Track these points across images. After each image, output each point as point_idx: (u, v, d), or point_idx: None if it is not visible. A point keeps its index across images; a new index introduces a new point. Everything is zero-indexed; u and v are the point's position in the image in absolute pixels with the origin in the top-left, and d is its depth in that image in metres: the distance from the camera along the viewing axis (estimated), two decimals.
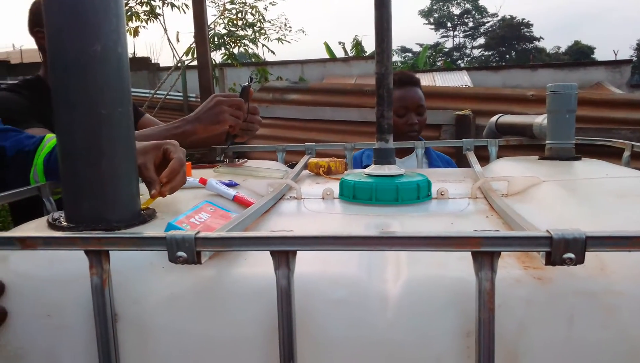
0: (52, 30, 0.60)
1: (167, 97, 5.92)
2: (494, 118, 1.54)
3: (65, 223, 0.62)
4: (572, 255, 0.42)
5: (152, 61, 10.43)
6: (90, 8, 0.59)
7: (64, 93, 0.60)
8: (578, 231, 0.42)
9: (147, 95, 6.05)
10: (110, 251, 0.48)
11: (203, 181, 0.83)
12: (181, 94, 6.75)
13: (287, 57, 10.76)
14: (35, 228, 0.65)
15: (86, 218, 0.61)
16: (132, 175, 0.63)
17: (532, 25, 37.41)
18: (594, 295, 0.47)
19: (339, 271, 0.52)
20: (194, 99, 6.69)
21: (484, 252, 0.43)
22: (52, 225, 0.62)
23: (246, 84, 1.23)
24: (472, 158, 1.17)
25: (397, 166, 0.86)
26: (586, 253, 0.42)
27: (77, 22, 0.59)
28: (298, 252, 0.46)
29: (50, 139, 0.86)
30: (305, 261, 0.49)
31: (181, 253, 0.45)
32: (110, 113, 0.60)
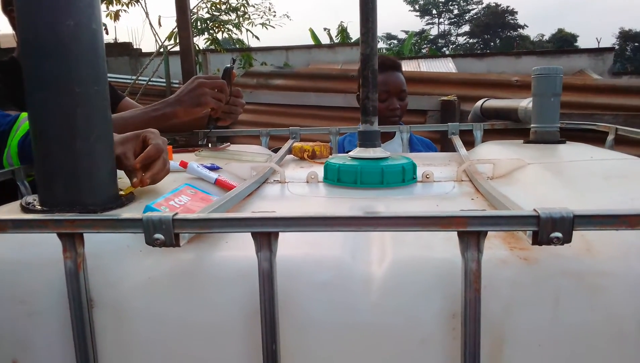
0: (22, 5, 0.57)
1: (150, 83, 5.82)
2: (479, 102, 1.54)
3: (39, 207, 0.59)
4: (559, 234, 0.41)
5: (134, 47, 10.24)
6: None
7: (35, 71, 0.57)
8: (566, 209, 0.41)
9: (129, 81, 5.95)
10: (85, 235, 0.46)
11: (184, 164, 0.81)
12: (164, 80, 6.65)
13: (272, 44, 10.65)
14: (8, 212, 0.63)
15: (60, 201, 0.58)
16: (108, 156, 0.61)
17: (516, 13, 37.55)
18: (580, 275, 0.46)
19: (323, 253, 0.51)
20: (177, 85, 6.59)
21: (470, 232, 0.42)
22: (25, 209, 0.59)
23: (228, 65, 1.20)
24: (457, 141, 1.16)
25: (381, 149, 0.85)
26: (573, 232, 0.41)
27: None
28: (281, 235, 0.45)
29: (25, 119, 0.83)
30: (289, 244, 0.48)
31: (158, 236, 0.44)
32: (84, 91, 0.58)
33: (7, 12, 1.29)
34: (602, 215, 0.41)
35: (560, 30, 33.81)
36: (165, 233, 0.44)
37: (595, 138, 1.28)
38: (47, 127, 0.58)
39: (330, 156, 1.12)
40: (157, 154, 0.72)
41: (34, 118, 0.59)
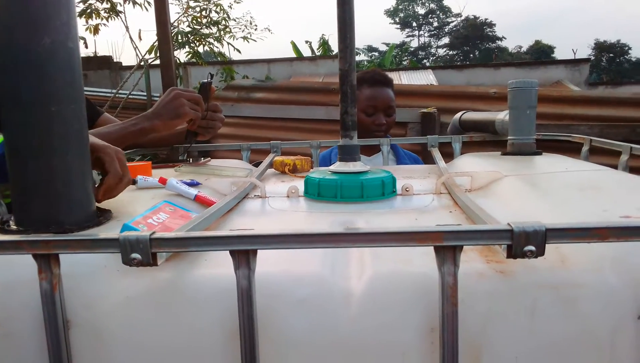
0: None
1: (130, 96, 5.78)
2: (458, 115, 1.56)
3: (15, 227, 0.59)
4: (532, 248, 0.42)
5: (114, 60, 10.17)
6: (39, 0, 0.56)
7: (11, 89, 0.57)
8: (538, 223, 0.42)
9: (109, 95, 5.90)
10: (60, 255, 0.46)
11: (163, 181, 0.81)
12: (144, 93, 6.60)
13: (254, 57, 10.68)
14: None
15: (37, 220, 0.58)
16: (85, 175, 0.61)
17: (494, 25, 38.24)
18: (555, 287, 0.47)
19: (302, 269, 0.51)
20: (157, 99, 6.54)
21: (446, 247, 0.43)
22: (0, 229, 0.58)
23: (205, 80, 1.20)
24: (436, 154, 1.18)
25: (362, 163, 0.86)
26: (547, 245, 0.42)
27: (25, 15, 0.56)
28: (260, 252, 0.45)
29: None
30: (267, 261, 0.48)
31: (136, 255, 0.43)
32: (61, 110, 0.57)
33: None
34: (574, 228, 0.41)
35: (537, 42, 34.50)
36: (143, 253, 0.43)
37: (571, 148, 1.31)
38: (22, 145, 0.57)
39: (311, 170, 1.12)
40: (115, 185, 0.70)
41: (9, 136, 0.58)
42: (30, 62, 0.56)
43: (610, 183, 0.78)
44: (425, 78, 10.52)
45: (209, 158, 1.25)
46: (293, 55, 12.17)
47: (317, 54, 13.08)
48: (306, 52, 12.89)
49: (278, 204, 0.82)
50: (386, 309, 0.48)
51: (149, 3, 5.34)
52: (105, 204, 0.70)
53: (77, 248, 0.44)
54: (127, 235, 0.43)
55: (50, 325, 0.47)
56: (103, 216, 0.63)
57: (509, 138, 1.18)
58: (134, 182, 0.84)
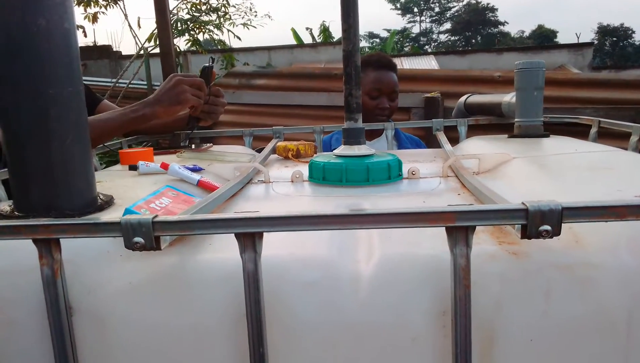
0: None
1: (130, 86, 5.75)
2: (463, 98, 1.54)
3: (15, 213, 0.57)
4: (548, 227, 0.41)
5: (114, 49, 10.11)
6: None
7: (6, 72, 0.55)
8: (554, 202, 0.40)
9: (109, 84, 5.86)
10: (62, 240, 0.45)
11: (165, 166, 0.79)
12: (145, 82, 6.56)
13: (254, 44, 10.60)
14: None
15: (36, 206, 0.56)
16: (86, 159, 0.59)
17: (496, 10, 37.94)
18: (570, 268, 0.46)
19: (309, 253, 0.50)
20: (158, 87, 6.51)
21: (459, 227, 0.42)
22: (0, 215, 0.57)
23: (207, 65, 1.18)
24: (442, 137, 1.16)
25: (367, 146, 0.84)
26: (562, 225, 0.41)
27: None
28: (266, 235, 0.44)
29: None
30: (273, 244, 0.47)
31: (138, 239, 0.42)
32: (58, 93, 0.56)
33: None
34: (590, 207, 0.40)
35: (540, 27, 34.22)
36: (145, 236, 0.42)
37: (578, 132, 1.29)
38: (20, 130, 0.56)
39: (315, 155, 1.11)
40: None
41: (6, 121, 0.57)
42: (25, 45, 0.55)
43: (622, 163, 0.76)
44: (427, 64, 10.45)
45: (211, 144, 1.24)
46: (294, 42, 12.09)
47: (318, 41, 12.99)
48: (307, 39, 12.82)
49: (282, 189, 0.81)
50: (396, 292, 0.46)
51: None
52: (105, 189, 0.69)
53: (78, 232, 0.43)
54: (128, 218, 0.42)
55: (53, 311, 0.45)
56: (104, 202, 0.62)
57: (515, 120, 1.16)
58: (136, 168, 0.83)
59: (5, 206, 0.60)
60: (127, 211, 0.54)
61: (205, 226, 0.42)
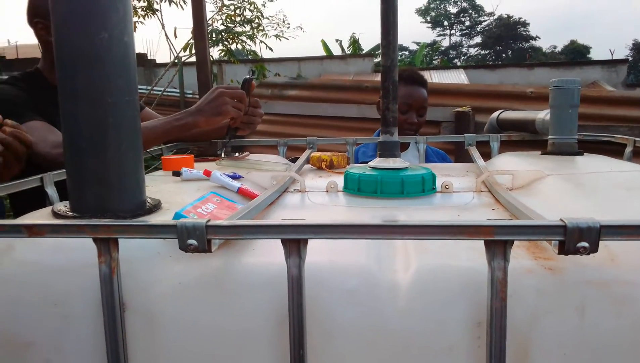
0: (58, 19, 0.59)
1: (164, 93, 5.89)
2: (495, 114, 1.54)
3: (70, 213, 0.61)
4: (586, 244, 0.42)
5: (149, 57, 10.38)
6: None
7: (70, 82, 0.59)
8: (592, 220, 0.42)
9: (144, 91, 6.02)
10: (118, 240, 0.48)
11: (207, 173, 0.83)
12: (178, 90, 6.72)
13: (285, 54, 10.74)
14: (40, 217, 0.64)
15: (91, 207, 0.60)
16: (138, 164, 0.63)
17: (528, 24, 37.51)
18: (605, 284, 0.47)
19: (349, 261, 0.52)
20: (190, 96, 6.66)
21: (497, 241, 0.43)
22: (57, 214, 0.61)
23: (247, 77, 1.22)
24: (474, 152, 1.17)
25: (401, 159, 0.86)
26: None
27: (83, 10, 0.58)
28: (308, 242, 0.46)
29: None
30: (313, 252, 0.49)
31: (192, 241, 0.45)
32: (116, 102, 0.59)
33: (33, 23, 1.32)
34: (629, 226, 0.41)
35: (572, 42, 33.69)
36: (199, 239, 0.45)
37: (611, 150, 1.28)
38: (79, 136, 0.59)
39: (348, 166, 1.13)
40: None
41: (67, 128, 0.60)
42: (88, 57, 0.58)
43: None
44: (456, 77, 10.39)
45: (248, 153, 1.27)
46: (323, 53, 12.19)
47: (347, 52, 13.07)
48: (336, 51, 12.89)
49: (317, 198, 0.83)
50: (432, 302, 0.48)
51: (184, 1, 5.43)
52: (152, 194, 0.72)
53: (136, 233, 0.46)
54: (184, 221, 0.45)
55: (108, 307, 0.49)
56: (153, 206, 0.65)
57: (549, 137, 1.16)
58: (179, 174, 0.86)
59: (61, 206, 0.64)
60: (177, 215, 0.57)
61: (254, 231, 0.45)
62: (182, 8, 5.44)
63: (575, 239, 0.42)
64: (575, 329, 0.46)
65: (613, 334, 0.46)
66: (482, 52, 38.96)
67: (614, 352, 0.46)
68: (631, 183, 0.77)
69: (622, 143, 1.19)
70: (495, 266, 0.44)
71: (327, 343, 0.49)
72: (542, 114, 1.23)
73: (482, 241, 0.44)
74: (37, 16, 1.30)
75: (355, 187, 0.84)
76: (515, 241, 0.44)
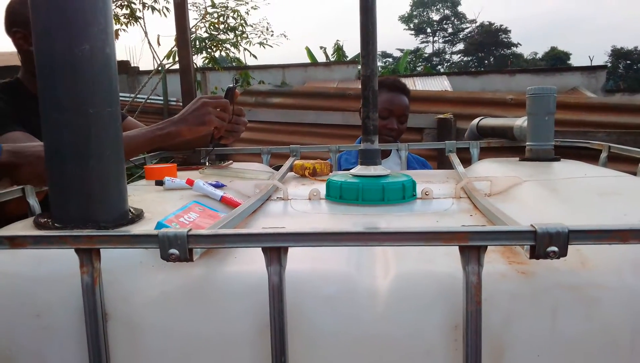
0: (39, 30, 0.59)
1: (148, 101, 5.86)
2: (475, 121, 1.57)
3: (53, 224, 0.61)
4: (555, 249, 0.43)
5: (132, 65, 10.31)
6: (78, 8, 0.59)
7: (51, 93, 0.60)
8: (561, 225, 0.43)
9: (127, 99, 5.99)
10: (100, 250, 0.48)
11: (190, 182, 0.83)
12: (161, 98, 6.69)
13: (269, 62, 10.75)
14: (22, 228, 0.64)
15: (74, 218, 0.60)
16: (120, 175, 0.63)
17: (510, 31, 38.07)
18: (577, 288, 0.48)
19: (329, 268, 0.53)
20: (174, 103, 6.64)
21: (472, 246, 0.44)
22: (39, 225, 0.61)
23: (231, 85, 1.23)
24: (454, 159, 1.19)
25: (382, 166, 0.87)
26: (568, 247, 0.43)
27: (65, 22, 0.58)
28: (289, 250, 0.47)
29: None
30: (295, 259, 0.50)
31: (173, 251, 0.46)
32: (98, 113, 0.60)
33: (11, 33, 1.31)
34: (596, 230, 0.43)
35: (553, 49, 34.25)
36: (180, 248, 0.46)
37: (589, 155, 1.31)
38: (61, 147, 0.60)
39: (331, 174, 1.14)
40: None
41: (49, 138, 0.61)
42: (70, 68, 0.59)
43: (630, 189, 0.79)
44: (439, 84, 10.51)
45: (231, 161, 1.28)
46: (307, 60, 12.23)
47: (332, 59, 13.13)
48: (320, 58, 12.95)
49: (300, 206, 0.84)
50: (411, 307, 0.49)
51: (167, 9, 5.42)
52: (135, 203, 0.72)
53: (118, 244, 0.46)
54: (165, 231, 0.45)
55: (90, 317, 0.49)
56: (135, 215, 0.66)
57: (527, 143, 1.19)
58: (162, 183, 0.87)
59: (42, 216, 0.64)
60: (160, 225, 0.58)
61: (235, 240, 0.46)
62: (165, 16, 5.43)
63: (545, 244, 0.43)
64: (547, 331, 0.48)
65: (584, 336, 0.47)
66: (465, 58, 39.43)
67: (585, 354, 0.48)
68: (604, 188, 0.79)
69: (598, 148, 1.22)
70: (469, 271, 0.45)
71: (309, 349, 0.50)
72: (520, 121, 1.26)
73: (457, 246, 0.45)
74: (15, 25, 1.29)
75: (337, 194, 0.85)
76: (490, 246, 0.45)
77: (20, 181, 0.84)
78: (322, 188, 0.90)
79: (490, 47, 37.29)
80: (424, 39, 42.34)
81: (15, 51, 1.34)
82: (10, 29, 1.31)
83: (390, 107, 1.75)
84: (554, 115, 1.16)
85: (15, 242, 0.47)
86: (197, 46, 6.11)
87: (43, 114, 0.60)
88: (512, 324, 0.48)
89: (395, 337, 0.49)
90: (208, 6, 6.18)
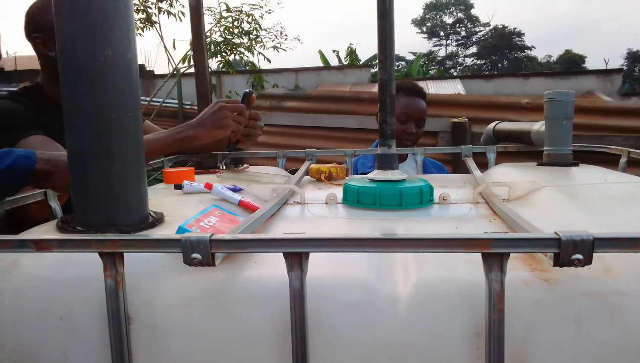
0: (63, 36, 0.61)
1: (163, 104, 5.92)
2: (492, 125, 1.56)
3: (75, 227, 0.62)
4: (580, 256, 0.43)
5: (147, 69, 10.42)
6: (101, 14, 0.60)
7: (75, 99, 0.61)
8: (586, 232, 0.43)
9: (143, 102, 6.05)
10: (124, 254, 0.49)
11: (209, 186, 0.84)
12: (176, 101, 6.75)
13: (282, 65, 10.80)
14: (45, 232, 0.65)
15: (96, 221, 0.61)
16: (141, 179, 0.64)
17: (523, 34, 37.81)
18: (600, 295, 0.48)
19: (349, 274, 0.53)
20: (189, 107, 6.69)
21: (494, 254, 0.44)
22: (63, 229, 0.62)
23: (248, 90, 1.24)
24: (471, 163, 1.18)
25: (399, 171, 0.87)
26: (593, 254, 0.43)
27: (88, 28, 0.59)
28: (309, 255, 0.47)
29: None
30: (315, 264, 0.50)
31: (196, 255, 0.46)
32: (120, 118, 0.61)
33: (31, 38, 1.33)
34: (621, 238, 0.42)
35: (567, 52, 33.94)
36: (203, 253, 0.46)
37: (606, 160, 1.30)
38: (84, 151, 0.61)
39: (347, 178, 1.14)
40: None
41: (71, 143, 0.62)
42: (93, 74, 0.60)
43: None
44: (453, 87, 10.46)
45: (247, 165, 1.28)
46: (320, 64, 12.25)
47: (345, 63, 13.14)
48: (333, 61, 12.97)
49: (317, 210, 0.84)
50: (432, 314, 0.49)
51: (182, 14, 5.47)
52: (155, 207, 0.73)
53: (142, 248, 0.47)
54: (188, 236, 0.46)
55: (114, 320, 0.49)
56: (156, 219, 0.66)
57: (544, 148, 1.18)
58: (181, 187, 0.87)
59: (65, 219, 0.65)
60: (181, 229, 0.58)
61: (257, 245, 0.46)
62: (181, 20, 5.48)
63: (570, 251, 0.43)
64: (571, 340, 0.47)
65: (608, 344, 0.47)
66: (478, 62, 39.22)
67: (608, 361, 0.47)
68: (624, 194, 0.79)
69: (616, 153, 1.21)
70: (492, 278, 0.45)
71: (329, 355, 0.50)
72: (537, 126, 1.25)
73: (480, 253, 0.45)
74: (36, 31, 1.31)
75: (355, 199, 0.85)
76: (511, 254, 0.45)
77: (55, 189, 0.85)
78: (338, 192, 0.90)
79: (503, 50, 37.06)
80: (437, 42, 42.21)
81: (34, 55, 1.37)
82: (30, 34, 1.33)
83: (408, 112, 1.75)
84: (572, 119, 1.15)
85: (40, 245, 0.48)
86: (212, 50, 6.15)
87: (66, 119, 0.61)
88: (534, 332, 0.48)
89: (416, 344, 0.49)
90: (223, 10, 6.23)
